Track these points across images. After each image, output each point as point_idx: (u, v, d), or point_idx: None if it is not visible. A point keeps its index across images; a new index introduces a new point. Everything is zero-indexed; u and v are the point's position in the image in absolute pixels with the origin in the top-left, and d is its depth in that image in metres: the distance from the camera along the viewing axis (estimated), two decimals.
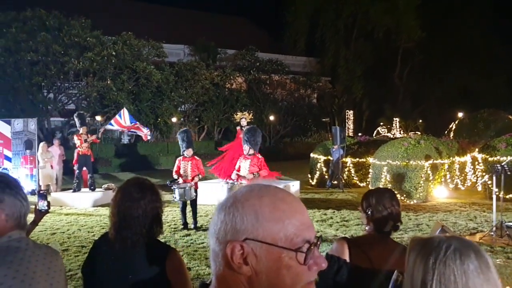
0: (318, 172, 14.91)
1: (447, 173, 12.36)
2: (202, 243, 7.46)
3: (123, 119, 12.30)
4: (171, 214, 9.79)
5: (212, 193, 10.30)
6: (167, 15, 34.25)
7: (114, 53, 21.26)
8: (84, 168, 12.10)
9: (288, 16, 35.32)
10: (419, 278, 1.12)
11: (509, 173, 7.41)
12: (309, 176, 15.49)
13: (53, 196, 11.94)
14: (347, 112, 35.56)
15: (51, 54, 20.15)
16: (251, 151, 9.15)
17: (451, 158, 12.54)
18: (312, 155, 15.59)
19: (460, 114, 24.06)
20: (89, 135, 12.09)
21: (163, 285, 2.14)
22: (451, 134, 17.08)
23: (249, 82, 30.52)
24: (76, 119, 12.42)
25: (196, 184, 8.74)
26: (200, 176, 8.92)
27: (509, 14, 34.83)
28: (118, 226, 2.19)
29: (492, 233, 7.47)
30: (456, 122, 18.39)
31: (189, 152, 8.84)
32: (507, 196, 9.72)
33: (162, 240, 2.40)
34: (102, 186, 12.74)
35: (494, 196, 7.45)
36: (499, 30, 33.73)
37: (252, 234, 0.89)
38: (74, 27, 20.79)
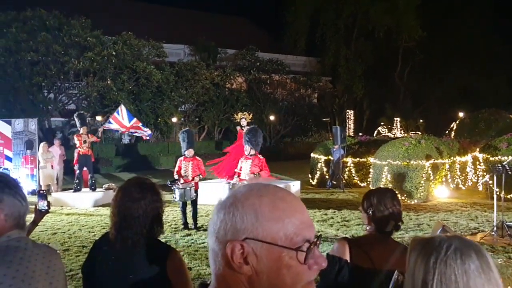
0: (318, 172, 14.90)
1: (448, 173, 12.34)
2: (203, 243, 7.46)
3: (121, 116, 12.31)
4: (171, 214, 9.79)
5: (213, 193, 10.30)
6: (167, 15, 34.25)
7: (114, 53, 21.27)
8: (85, 168, 12.11)
9: (288, 16, 35.32)
10: (420, 277, 1.12)
11: (510, 172, 7.40)
12: (310, 176, 15.48)
13: (54, 196, 11.95)
14: (348, 112, 35.54)
15: (51, 54, 20.16)
16: (252, 152, 9.15)
17: (452, 158, 12.53)
18: (312, 155, 15.58)
19: (460, 114, 24.06)
20: (89, 135, 12.10)
21: (164, 285, 2.14)
22: (452, 134, 17.07)
23: (249, 82, 30.52)
24: (76, 119, 12.42)
25: (196, 184, 8.74)
26: (201, 176, 8.92)
27: (509, 14, 34.88)
28: (118, 226, 2.18)
29: (493, 233, 7.47)
30: (457, 122, 18.39)
31: (189, 152, 8.83)
32: (508, 196, 9.73)
33: (163, 240, 2.40)
34: (103, 186, 12.75)
35: (495, 196, 7.45)
36: (499, 30, 33.76)
37: (252, 234, 0.89)
38: (74, 27, 20.80)
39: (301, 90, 33.21)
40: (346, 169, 14.20)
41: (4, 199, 1.61)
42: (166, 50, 25.32)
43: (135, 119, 12.77)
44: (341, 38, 35.40)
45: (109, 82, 21.76)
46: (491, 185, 9.06)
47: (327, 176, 14.51)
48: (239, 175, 9.24)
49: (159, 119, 24.47)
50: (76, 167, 12.05)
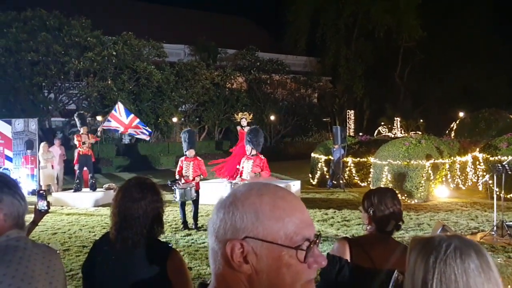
0: (319, 172, 14.90)
1: (448, 172, 12.35)
2: (203, 243, 7.46)
3: (118, 113, 12.31)
4: (172, 214, 9.79)
5: (214, 193, 10.29)
6: (167, 15, 34.25)
7: (114, 53, 21.27)
8: (85, 168, 12.11)
9: (288, 16, 35.31)
10: (420, 277, 1.12)
11: (510, 172, 7.40)
12: (310, 176, 15.48)
13: (54, 196, 11.96)
14: (348, 111, 35.52)
15: (51, 54, 20.17)
16: (254, 152, 9.16)
17: (452, 157, 12.54)
18: (313, 155, 15.59)
19: (461, 114, 24.05)
20: (89, 136, 12.10)
21: (164, 285, 2.13)
22: (452, 134, 17.09)
23: (249, 82, 30.51)
24: (76, 119, 12.42)
25: (197, 184, 8.74)
26: (201, 176, 8.91)
27: (509, 14, 34.88)
28: (119, 226, 2.18)
29: (493, 233, 7.47)
30: (457, 122, 18.40)
31: (190, 152, 8.83)
32: (508, 196, 9.74)
33: (163, 240, 2.40)
34: (103, 186, 12.76)
35: (495, 196, 7.45)
36: (499, 30, 33.75)
37: (252, 233, 0.89)
38: (74, 27, 20.80)
39: (301, 90, 33.21)
40: (347, 169, 14.21)
41: (3, 198, 1.61)
42: (166, 50, 25.33)
43: (132, 115, 12.78)
44: (342, 38, 35.39)
45: (109, 82, 21.77)
46: (491, 185, 9.05)
47: (327, 176, 14.51)
48: (241, 174, 9.24)
49: (160, 119, 24.48)
50: (76, 167, 12.06)
